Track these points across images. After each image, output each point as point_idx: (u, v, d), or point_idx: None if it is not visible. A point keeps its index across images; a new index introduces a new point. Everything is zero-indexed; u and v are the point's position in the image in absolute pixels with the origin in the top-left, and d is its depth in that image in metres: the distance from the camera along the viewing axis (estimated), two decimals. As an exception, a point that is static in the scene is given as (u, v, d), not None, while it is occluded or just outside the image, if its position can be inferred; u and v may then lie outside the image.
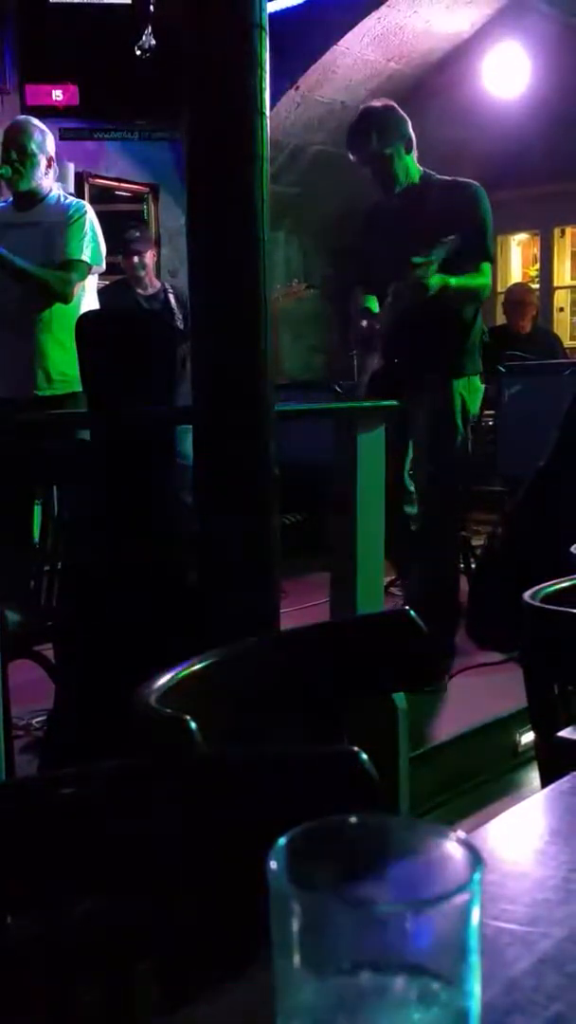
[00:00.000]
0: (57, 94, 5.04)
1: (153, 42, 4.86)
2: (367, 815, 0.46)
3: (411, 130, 3.52)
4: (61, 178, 5.71)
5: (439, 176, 3.57)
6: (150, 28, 4.86)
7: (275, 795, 0.82)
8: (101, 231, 3.77)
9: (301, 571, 3.98)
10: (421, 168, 3.56)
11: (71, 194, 4.09)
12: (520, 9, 6.53)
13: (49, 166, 3.76)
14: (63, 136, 4.93)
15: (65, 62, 5.10)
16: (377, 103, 3.61)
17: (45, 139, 3.75)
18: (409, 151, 3.51)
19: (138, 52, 4.87)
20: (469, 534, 5.00)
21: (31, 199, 3.74)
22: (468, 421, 3.57)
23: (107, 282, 5.28)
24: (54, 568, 2.65)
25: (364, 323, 3.62)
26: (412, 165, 3.53)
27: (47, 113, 4.98)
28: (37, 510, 2.89)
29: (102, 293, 5.10)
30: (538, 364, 5.38)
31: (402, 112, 3.55)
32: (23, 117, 3.95)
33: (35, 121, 3.83)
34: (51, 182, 3.80)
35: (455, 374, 3.52)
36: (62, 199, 3.79)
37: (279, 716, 1.19)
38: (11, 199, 3.83)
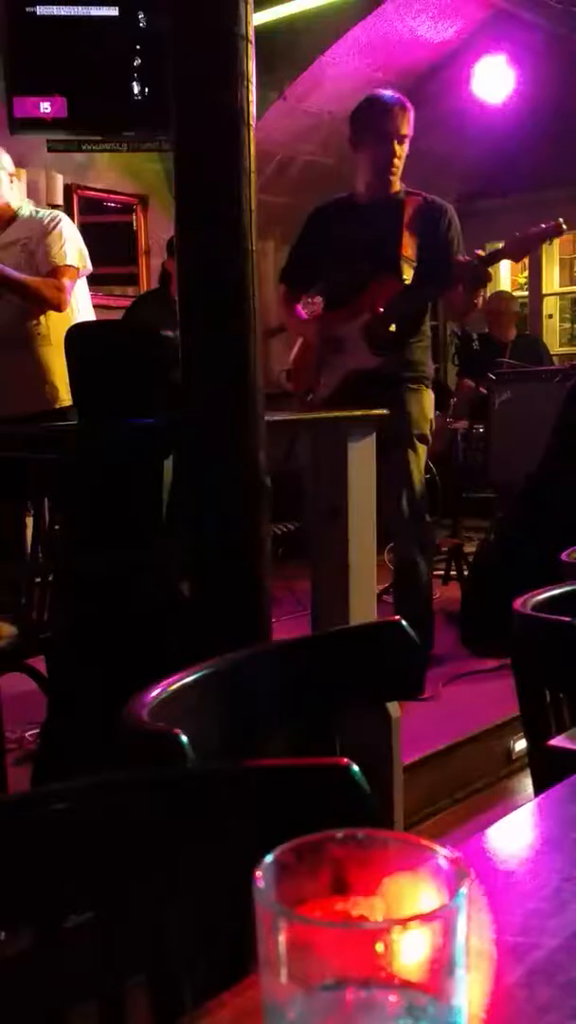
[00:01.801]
0: (45, 106, 5.03)
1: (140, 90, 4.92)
2: (353, 830, 0.46)
3: None
4: (50, 190, 5.71)
5: (413, 191, 3.58)
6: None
7: (267, 808, 0.82)
8: (80, 236, 3.76)
9: (292, 580, 3.98)
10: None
11: (51, 206, 4.06)
12: (505, 19, 6.56)
13: (12, 181, 3.75)
14: (51, 148, 4.92)
15: (53, 74, 5.10)
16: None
17: (1, 156, 3.73)
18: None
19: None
20: (461, 541, 5.01)
21: (4, 219, 3.73)
22: (426, 433, 3.62)
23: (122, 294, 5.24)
24: (46, 580, 2.64)
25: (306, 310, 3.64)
26: None
27: (35, 125, 4.98)
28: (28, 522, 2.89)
29: (138, 302, 5.09)
30: (527, 371, 5.40)
31: None
32: None
33: None
34: (19, 197, 3.80)
35: (426, 383, 3.59)
36: (34, 212, 3.79)
37: (271, 727, 1.18)
38: None
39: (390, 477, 3.50)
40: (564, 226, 3.48)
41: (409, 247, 3.43)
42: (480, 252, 3.51)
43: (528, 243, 3.52)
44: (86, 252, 3.77)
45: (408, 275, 3.43)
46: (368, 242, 3.46)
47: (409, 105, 3.49)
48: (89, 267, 3.81)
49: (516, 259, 3.68)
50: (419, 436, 3.56)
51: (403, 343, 3.50)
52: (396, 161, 3.46)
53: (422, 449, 3.58)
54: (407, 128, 3.46)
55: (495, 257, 3.56)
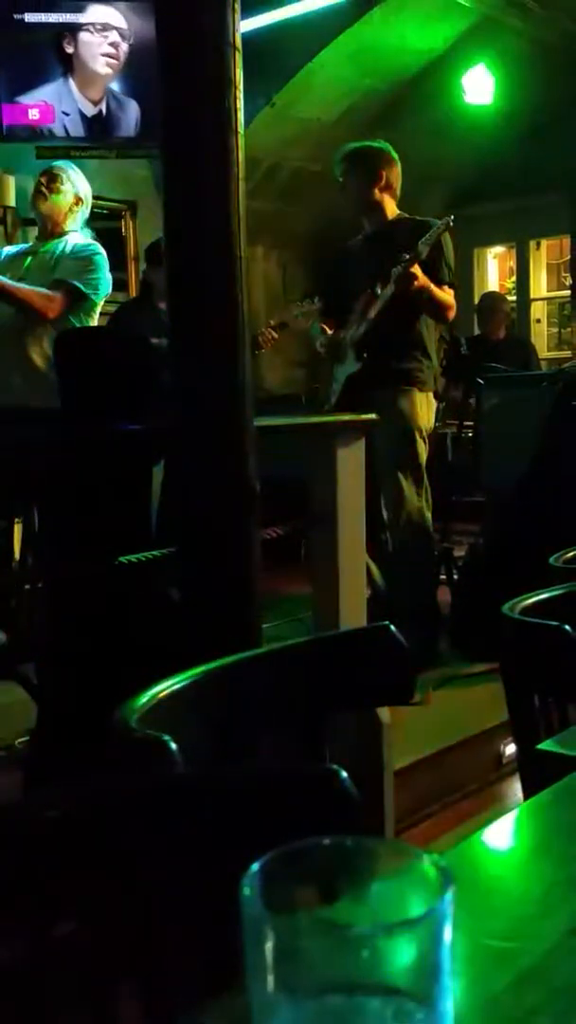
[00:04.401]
0: (33, 113, 5.04)
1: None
2: (340, 837, 0.46)
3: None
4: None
5: (406, 216, 3.96)
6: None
7: (255, 816, 0.82)
8: (107, 275, 3.83)
9: (283, 585, 3.98)
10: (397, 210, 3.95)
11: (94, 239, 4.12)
12: (493, 25, 6.58)
13: (76, 204, 3.87)
14: (39, 155, 4.92)
15: (41, 80, 5.09)
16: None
17: (79, 180, 3.90)
18: (384, 189, 3.89)
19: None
20: (451, 545, 5.01)
21: (51, 229, 3.85)
22: (425, 434, 3.85)
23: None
24: (35, 587, 2.64)
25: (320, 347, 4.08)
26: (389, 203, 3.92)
27: (23, 131, 4.98)
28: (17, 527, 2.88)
29: (121, 311, 5.12)
30: (517, 375, 5.41)
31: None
32: (65, 162, 4.12)
33: (75, 166, 4.01)
34: (76, 223, 3.89)
35: (418, 387, 3.80)
36: (80, 237, 3.88)
37: (262, 733, 1.18)
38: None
39: (382, 475, 3.69)
40: (451, 221, 3.82)
41: (392, 265, 3.70)
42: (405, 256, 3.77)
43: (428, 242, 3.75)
44: (104, 288, 3.83)
45: (382, 288, 3.72)
46: (364, 267, 3.82)
47: (373, 150, 3.91)
48: (96, 302, 3.83)
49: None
50: (408, 435, 3.75)
51: (386, 348, 3.74)
52: (370, 198, 3.87)
53: (416, 439, 3.78)
54: (362, 170, 3.87)
55: (412, 260, 3.74)
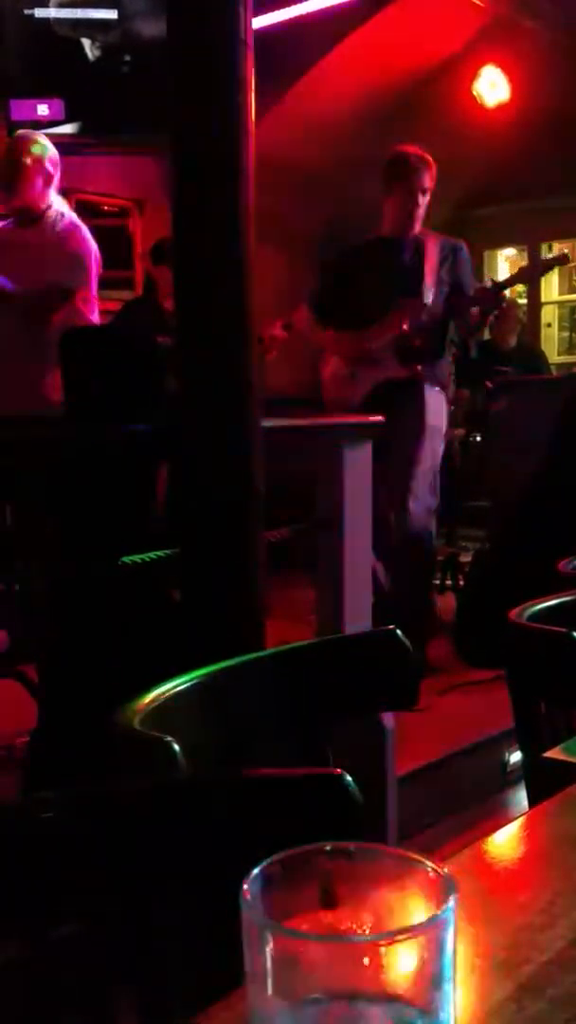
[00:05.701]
0: (42, 109, 5.04)
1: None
2: (342, 843, 0.46)
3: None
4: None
5: (431, 232, 4.09)
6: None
7: (258, 819, 0.81)
8: (97, 252, 3.70)
9: (287, 588, 3.97)
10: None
11: (73, 213, 3.91)
12: (506, 25, 6.56)
13: (48, 183, 3.66)
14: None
15: (50, 76, 5.10)
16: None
17: (45, 154, 3.66)
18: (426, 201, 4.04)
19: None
20: (457, 550, 5.00)
21: (27, 216, 3.66)
22: (441, 436, 4.01)
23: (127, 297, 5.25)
24: (37, 587, 2.63)
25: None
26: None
27: (32, 127, 4.98)
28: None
29: (125, 310, 5.08)
30: (525, 380, 5.41)
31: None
32: (23, 131, 3.87)
33: (35, 135, 3.75)
34: (51, 200, 3.69)
35: (440, 387, 3.96)
36: (60, 220, 3.69)
37: (265, 736, 1.18)
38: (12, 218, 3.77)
39: (396, 474, 3.76)
40: (570, 257, 4.03)
41: (430, 276, 3.91)
42: (493, 279, 3.93)
43: (536, 273, 3.94)
44: (94, 270, 3.68)
45: (429, 298, 3.90)
46: (395, 272, 3.94)
47: (432, 161, 4.03)
48: (90, 287, 3.71)
49: (524, 283, 4.09)
50: (434, 428, 3.91)
51: (429, 355, 3.92)
52: (419, 210, 3.98)
53: (437, 441, 3.94)
54: (430, 181, 3.98)
55: (506, 284, 4.09)
